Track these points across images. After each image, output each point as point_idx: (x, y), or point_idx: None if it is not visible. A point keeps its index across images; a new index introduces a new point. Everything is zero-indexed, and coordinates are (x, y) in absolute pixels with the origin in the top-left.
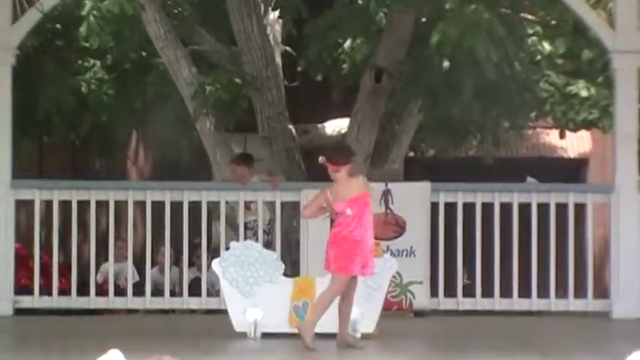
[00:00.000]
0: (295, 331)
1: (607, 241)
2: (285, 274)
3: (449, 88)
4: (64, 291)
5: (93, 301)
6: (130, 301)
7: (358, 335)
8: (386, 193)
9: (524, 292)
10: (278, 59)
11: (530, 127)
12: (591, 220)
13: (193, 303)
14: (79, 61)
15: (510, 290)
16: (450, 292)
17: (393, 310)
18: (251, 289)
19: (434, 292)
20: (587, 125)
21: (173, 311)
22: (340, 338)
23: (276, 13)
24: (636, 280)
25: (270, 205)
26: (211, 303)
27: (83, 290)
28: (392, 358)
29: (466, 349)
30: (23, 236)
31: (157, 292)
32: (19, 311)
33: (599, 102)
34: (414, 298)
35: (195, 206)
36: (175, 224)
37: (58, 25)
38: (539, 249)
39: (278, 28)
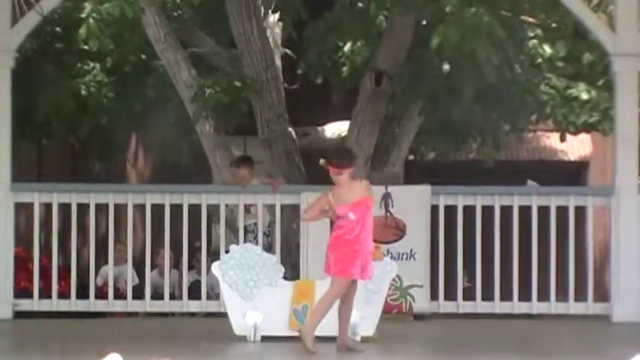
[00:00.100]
0: (295, 334)
1: (607, 244)
2: (285, 278)
3: (449, 91)
4: (64, 294)
5: (92, 304)
6: (130, 304)
7: (358, 338)
8: (386, 197)
9: (525, 295)
10: (278, 62)
11: (530, 130)
12: (592, 223)
13: (193, 306)
14: (79, 64)
15: (510, 293)
16: (450, 295)
17: (393, 313)
18: (251, 292)
19: (434, 296)
20: (588, 128)
21: (173, 314)
22: (340, 341)
23: (276, 15)
24: (636, 283)
25: (270, 208)
26: (211, 306)
27: (83, 293)
28: None
29: (466, 353)
30: (23, 239)
31: (157, 295)
32: (19, 314)
33: (599, 105)
34: (414, 301)
35: (195, 209)
36: (175, 227)
37: (57, 28)
38: (539, 252)
39: (278, 30)
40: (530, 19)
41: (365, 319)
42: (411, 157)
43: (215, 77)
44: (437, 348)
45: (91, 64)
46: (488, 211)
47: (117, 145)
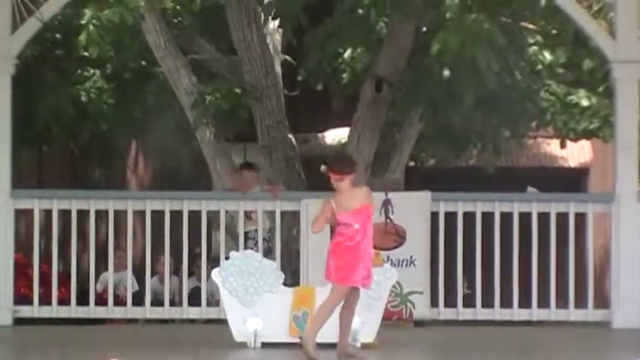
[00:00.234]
0: (295, 340)
1: (607, 251)
2: (285, 284)
3: (449, 97)
4: (64, 300)
5: (92, 311)
6: (130, 311)
7: (358, 345)
8: (386, 203)
9: (525, 302)
10: (278, 68)
11: (530, 136)
12: (592, 230)
13: (193, 313)
14: (79, 71)
15: (510, 300)
16: (450, 301)
17: (393, 319)
18: (251, 298)
19: (434, 302)
20: (588, 135)
21: (173, 321)
22: (341, 348)
23: (276, 22)
24: (637, 290)
25: (271, 215)
26: (211, 313)
27: (83, 300)
28: None
29: (466, 359)
30: (23, 245)
31: (157, 301)
32: (19, 321)
33: (599, 111)
34: (414, 307)
35: (195, 216)
36: (175, 234)
37: (57, 35)
38: (539, 259)
39: (278, 37)
40: (531, 26)
41: (365, 325)
42: (412, 163)
43: (215, 84)
44: (437, 355)
45: (91, 71)
46: (488, 217)
47: (117, 151)
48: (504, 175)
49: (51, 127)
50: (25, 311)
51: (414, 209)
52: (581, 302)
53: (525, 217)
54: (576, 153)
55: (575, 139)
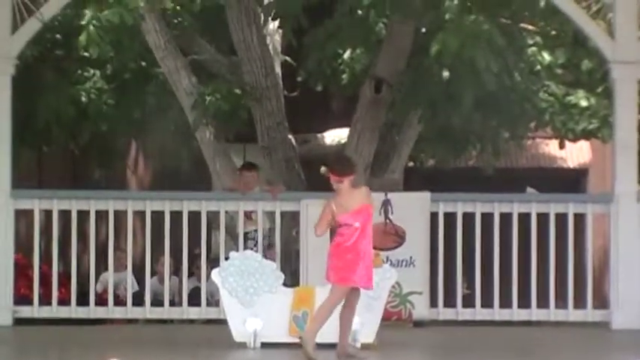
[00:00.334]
0: (295, 340)
1: (607, 251)
2: (285, 284)
3: (449, 98)
4: (64, 301)
5: (92, 311)
6: (130, 311)
7: (358, 345)
8: (385, 203)
9: (524, 303)
10: (278, 69)
11: (529, 137)
12: (591, 230)
13: (193, 313)
14: (79, 71)
15: (510, 300)
16: (450, 302)
17: (393, 320)
18: (251, 299)
19: (433, 303)
20: (587, 135)
21: (172, 321)
22: (340, 348)
23: (276, 23)
24: (636, 290)
25: (270, 215)
26: (211, 313)
27: (83, 300)
28: None
29: (465, 359)
30: (23, 246)
31: (157, 301)
32: (19, 321)
33: (598, 112)
34: (413, 308)
35: (194, 216)
36: (175, 234)
37: (57, 35)
38: (538, 259)
39: (278, 38)
40: (530, 27)
41: (365, 325)
42: (411, 164)
43: (215, 84)
44: (436, 355)
45: (91, 71)
46: (487, 218)
47: (117, 151)
48: (503, 175)
49: (51, 128)
50: (25, 311)
51: (413, 210)
52: (580, 302)
53: (524, 218)
54: (575, 153)
55: (574, 140)
